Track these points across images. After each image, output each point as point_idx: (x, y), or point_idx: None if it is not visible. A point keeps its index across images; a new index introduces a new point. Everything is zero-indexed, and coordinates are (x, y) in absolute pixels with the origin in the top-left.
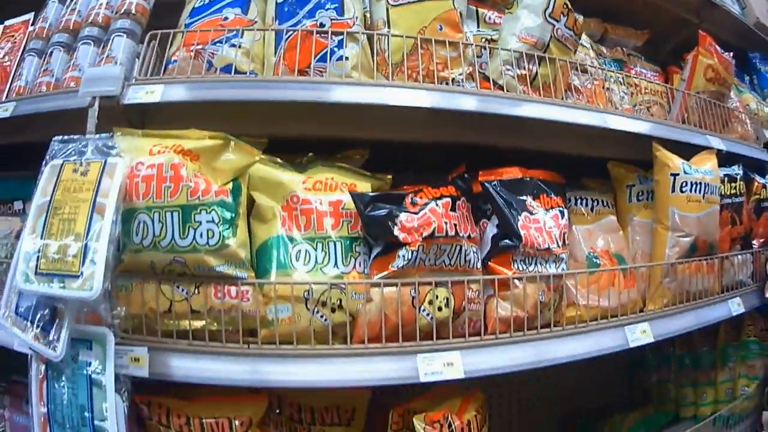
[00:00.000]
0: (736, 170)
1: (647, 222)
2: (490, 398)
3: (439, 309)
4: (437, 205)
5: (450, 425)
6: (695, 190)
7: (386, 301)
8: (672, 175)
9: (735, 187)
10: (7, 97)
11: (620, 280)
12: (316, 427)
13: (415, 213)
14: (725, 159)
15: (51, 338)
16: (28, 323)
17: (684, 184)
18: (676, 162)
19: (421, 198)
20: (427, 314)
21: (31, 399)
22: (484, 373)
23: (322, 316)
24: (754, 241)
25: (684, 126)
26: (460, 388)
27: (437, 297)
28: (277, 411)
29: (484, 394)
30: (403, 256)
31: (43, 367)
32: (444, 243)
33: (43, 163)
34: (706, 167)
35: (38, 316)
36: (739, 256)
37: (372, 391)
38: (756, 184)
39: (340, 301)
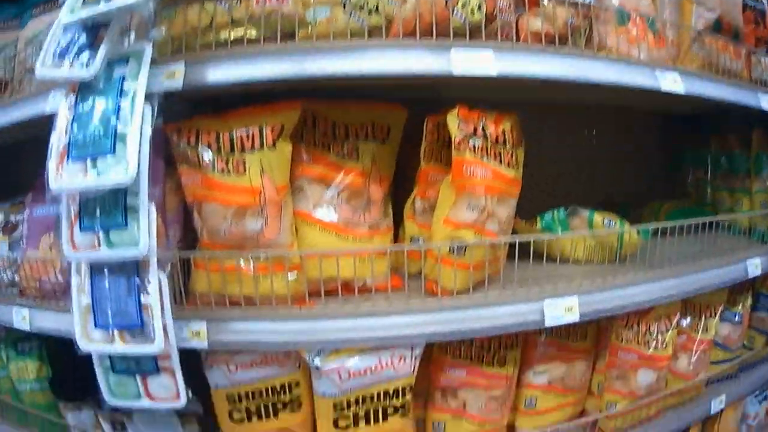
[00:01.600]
0: None
1: None
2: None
3: (472, 12)
4: None
5: (484, 129)
6: None
7: (420, 1)
8: None
9: None
10: None
11: (650, 37)
12: (350, 140)
13: None
14: None
15: (87, 61)
16: (65, 59)
17: None
18: None
19: None
20: (460, 16)
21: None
22: (517, 75)
23: (359, 18)
24: None
25: None
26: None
27: (469, 1)
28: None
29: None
30: None
31: (72, 96)
32: None
33: None
34: None
35: (76, 48)
36: (767, 58)
37: (407, 111)
38: None
39: (377, 6)
